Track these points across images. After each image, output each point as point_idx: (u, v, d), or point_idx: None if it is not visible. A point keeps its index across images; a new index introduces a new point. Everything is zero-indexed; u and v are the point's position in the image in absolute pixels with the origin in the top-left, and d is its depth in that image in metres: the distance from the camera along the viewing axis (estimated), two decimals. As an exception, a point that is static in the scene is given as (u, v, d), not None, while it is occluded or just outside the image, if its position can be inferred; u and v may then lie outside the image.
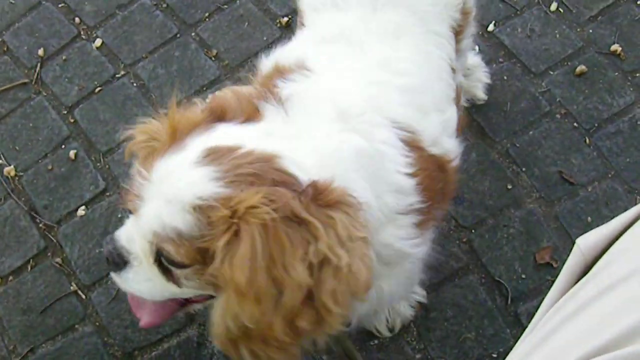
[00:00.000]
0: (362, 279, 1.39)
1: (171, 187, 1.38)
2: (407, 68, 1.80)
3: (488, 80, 2.97)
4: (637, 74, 2.98)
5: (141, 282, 1.54)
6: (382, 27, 1.84)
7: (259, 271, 1.31)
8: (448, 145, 1.83)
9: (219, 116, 1.57)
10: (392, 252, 1.66)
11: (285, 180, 1.39)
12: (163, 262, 1.46)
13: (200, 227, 1.35)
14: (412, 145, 1.68)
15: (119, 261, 1.55)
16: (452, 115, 1.90)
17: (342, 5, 1.90)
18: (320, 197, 1.39)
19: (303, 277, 1.32)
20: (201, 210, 1.34)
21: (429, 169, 1.71)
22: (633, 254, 1.28)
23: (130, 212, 1.52)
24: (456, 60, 2.07)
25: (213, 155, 1.40)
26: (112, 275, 1.61)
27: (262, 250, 1.31)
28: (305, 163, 1.45)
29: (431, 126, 1.76)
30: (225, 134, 1.49)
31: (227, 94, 1.65)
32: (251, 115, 1.57)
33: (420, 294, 2.59)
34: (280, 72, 1.76)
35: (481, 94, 2.95)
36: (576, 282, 1.36)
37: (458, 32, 2.08)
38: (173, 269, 1.46)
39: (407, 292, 2.32)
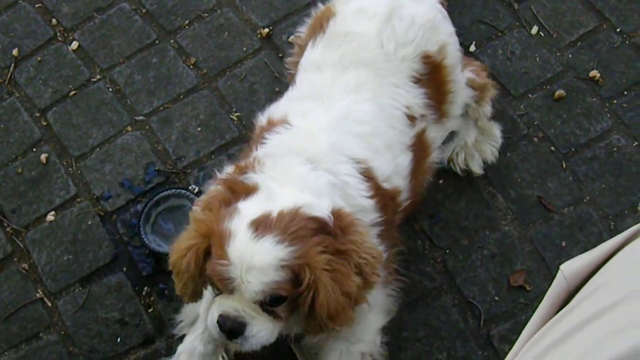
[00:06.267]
0: (379, 251, 2.05)
1: (254, 260, 1.84)
2: (363, 118, 2.25)
3: (492, 158, 2.90)
4: (615, 101, 3.00)
5: (262, 329, 1.99)
6: (347, 84, 2.29)
7: (335, 297, 1.89)
8: (398, 183, 2.29)
9: (226, 204, 1.98)
10: None
11: (319, 226, 1.92)
12: (267, 308, 1.95)
13: (289, 274, 1.87)
14: (368, 176, 2.17)
15: (239, 328, 1.97)
16: (404, 160, 2.31)
17: (322, 67, 2.35)
18: (341, 225, 1.96)
19: (357, 282, 1.94)
20: (286, 264, 1.85)
21: (382, 196, 2.20)
22: (616, 283, 1.27)
23: (220, 291, 2.00)
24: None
25: (260, 228, 1.87)
26: (237, 343, 2.03)
27: (331, 285, 1.88)
28: (313, 202, 1.95)
29: (384, 164, 2.23)
30: (248, 210, 1.93)
31: (217, 189, 2.09)
32: (247, 190, 2.01)
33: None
34: (270, 125, 2.28)
35: (477, 168, 2.88)
36: (560, 309, 1.34)
37: (435, 78, 2.41)
38: (276, 308, 1.96)
39: (380, 298, 2.35)
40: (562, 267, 1.38)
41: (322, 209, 1.95)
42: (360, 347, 2.34)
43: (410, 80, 2.35)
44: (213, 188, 2.12)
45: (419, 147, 2.38)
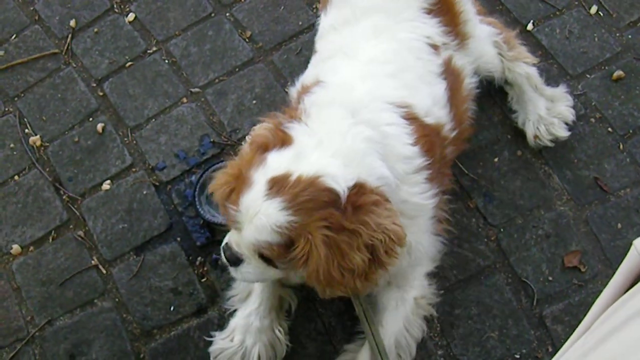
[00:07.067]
0: (399, 234, 1.98)
1: (256, 217, 1.93)
2: (389, 57, 2.32)
3: (571, 117, 2.87)
4: (675, 82, 2.95)
5: (251, 271, 2.14)
6: (364, 32, 2.38)
7: (328, 269, 1.92)
8: (439, 113, 2.32)
9: (264, 149, 2.04)
10: (411, 206, 2.18)
11: (332, 199, 1.92)
12: (264, 257, 2.05)
13: (283, 239, 1.94)
14: (411, 117, 2.19)
15: (236, 260, 2.13)
16: (439, 88, 2.36)
17: (337, 27, 2.48)
18: (355, 202, 1.94)
19: (361, 259, 1.93)
20: (281, 231, 1.92)
21: (427, 135, 2.21)
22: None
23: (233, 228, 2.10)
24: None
25: (275, 187, 1.93)
26: (231, 270, 2.19)
27: (326, 258, 1.91)
28: (336, 172, 1.95)
29: (422, 98, 2.27)
30: (274, 164, 1.98)
31: (261, 129, 2.13)
32: (283, 140, 2.05)
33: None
34: (305, 89, 2.34)
35: (561, 132, 2.85)
36: (632, 285, 1.33)
37: (447, 9, 2.48)
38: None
39: (429, 244, 2.39)
40: (635, 242, 1.36)
41: (341, 181, 1.95)
42: (413, 293, 2.44)
43: (423, 12, 2.44)
44: (264, 124, 2.17)
45: (451, 74, 2.44)
